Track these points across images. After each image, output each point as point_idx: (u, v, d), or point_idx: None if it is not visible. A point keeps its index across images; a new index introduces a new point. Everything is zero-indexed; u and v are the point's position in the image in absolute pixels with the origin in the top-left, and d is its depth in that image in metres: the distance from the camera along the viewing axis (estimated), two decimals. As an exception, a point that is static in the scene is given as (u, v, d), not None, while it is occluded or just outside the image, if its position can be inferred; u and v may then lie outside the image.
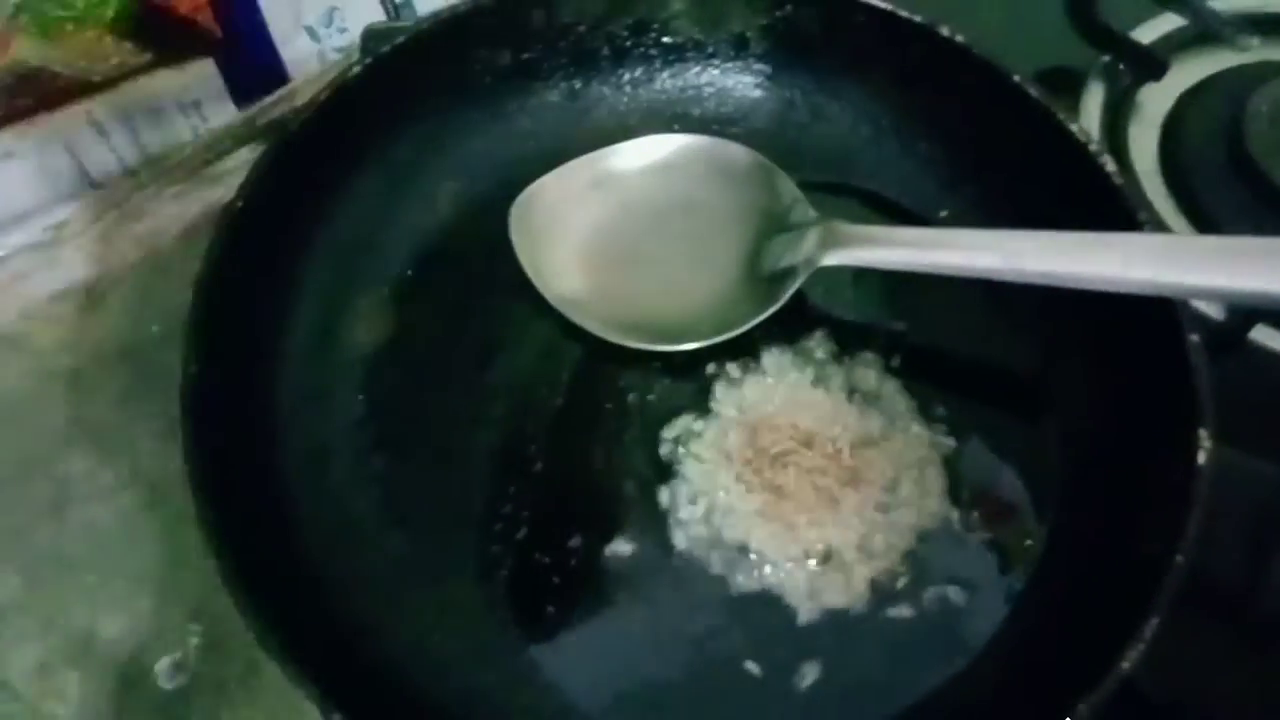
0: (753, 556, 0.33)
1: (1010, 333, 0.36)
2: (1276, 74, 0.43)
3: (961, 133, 0.39)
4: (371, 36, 0.48)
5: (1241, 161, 0.41)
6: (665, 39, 0.41)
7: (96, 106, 0.47)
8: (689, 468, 0.35)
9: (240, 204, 0.33)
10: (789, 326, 0.37)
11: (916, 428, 0.35)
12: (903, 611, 0.32)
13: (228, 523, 0.28)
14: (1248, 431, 0.32)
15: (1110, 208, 0.33)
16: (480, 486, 0.34)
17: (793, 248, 0.36)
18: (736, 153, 0.39)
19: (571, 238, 0.38)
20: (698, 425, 0.35)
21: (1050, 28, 0.45)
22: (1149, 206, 0.41)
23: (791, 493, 0.34)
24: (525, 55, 0.40)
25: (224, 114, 0.50)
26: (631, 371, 0.37)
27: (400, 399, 0.36)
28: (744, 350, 0.36)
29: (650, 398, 0.36)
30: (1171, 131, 0.44)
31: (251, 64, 0.49)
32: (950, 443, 0.35)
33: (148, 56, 0.47)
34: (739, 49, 0.41)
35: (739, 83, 0.42)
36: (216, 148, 0.49)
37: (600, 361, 0.37)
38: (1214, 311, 0.38)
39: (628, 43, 0.41)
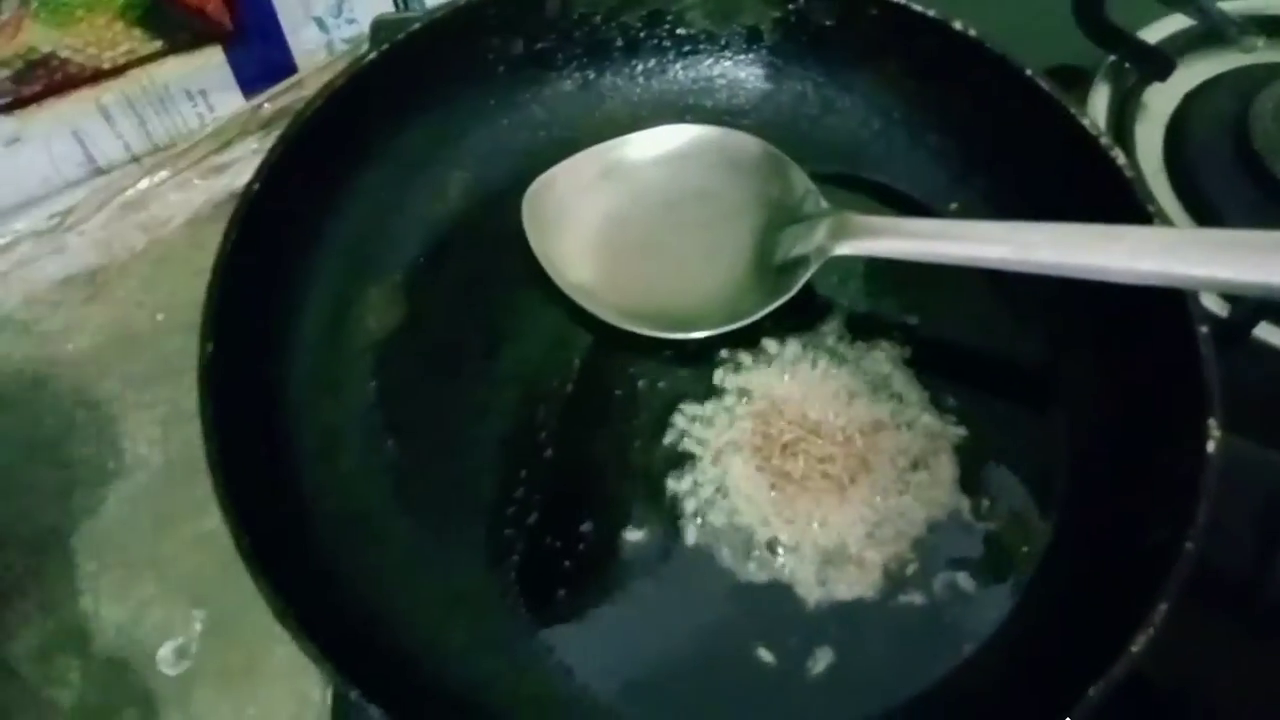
0: (763, 543, 0.33)
1: (1020, 323, 0.37)
2: (1282, 74, 0.44)
3: (972, 125, 0.39)
4: (381, 27, 0.49)
5: (1247, 160, 0.41)
6: (679, 30, 0.41)
7: (105, 93, 0.47)
8: (699, 455, 0.35)
9: (257, 186, 0.33)
10: (800, 316, 0.37)
11: (927, 417, 0.35)
12: (913, 598, 0.32)
13: (244, 501, 0.28)
14: (1250, 426, 0.32)
15: (1121, 200, 0.33)
16: (491, 473, 0.34)
17: (804, 238, 0.36)
18: (748, 143, 0.39)
19: (583, 227, 0.39)
20: (708, 413, 0.35)
21: (1057, 27, 0.45)
22: (1155, 204, 0.41)
23: (801, 480, 0.34)
24: (539, 45, 0.40)
25: (231, 103, 0.50)
26: (642, 359, 0.36)
27: (411, 386, 0.36)
28: (754, 339, 0.36)
29: (661, 385, 0.36)
30: (1177, 130, 0.44)
31: (260, 54, 0.49)
32: (960, 431, 0.35)
33: (157, 44, 0.47)
34: (752, 41, 0.41)
35: (751, 74, 0.42)
36: (223, 137, 0.49)
37: (611, 349, 0.37)
38: (1219, 308, 0.38)
39: (641, 34, 0.41)
